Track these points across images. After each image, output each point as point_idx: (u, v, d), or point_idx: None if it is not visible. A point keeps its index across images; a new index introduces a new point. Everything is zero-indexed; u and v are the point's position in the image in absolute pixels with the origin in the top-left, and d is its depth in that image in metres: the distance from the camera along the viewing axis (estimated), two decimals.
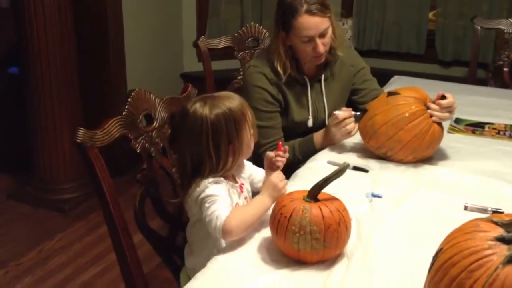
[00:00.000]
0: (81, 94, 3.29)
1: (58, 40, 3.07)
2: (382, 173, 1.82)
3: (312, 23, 1.93)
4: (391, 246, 1.41)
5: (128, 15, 3.57)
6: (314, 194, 1.35)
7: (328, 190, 1.39)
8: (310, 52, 2.00)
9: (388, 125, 1.81)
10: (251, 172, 1.70)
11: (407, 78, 3.03)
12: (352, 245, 1.39)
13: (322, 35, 1.97)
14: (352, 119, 1.94)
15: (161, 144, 1.66)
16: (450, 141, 2.08)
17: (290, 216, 1.30)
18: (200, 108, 1.46)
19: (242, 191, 1.57)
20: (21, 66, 3.26)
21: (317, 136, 2.05)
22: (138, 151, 1.58)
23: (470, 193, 1.68)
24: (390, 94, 1.88)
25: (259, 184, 1.68)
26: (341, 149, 2.00)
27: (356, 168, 1.84)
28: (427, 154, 1.86)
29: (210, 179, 1.45)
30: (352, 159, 1.91)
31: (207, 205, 1.41)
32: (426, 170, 1.84)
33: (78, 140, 1.40)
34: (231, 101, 1.49)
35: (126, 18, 3.56)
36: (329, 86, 2.18)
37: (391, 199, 1.65)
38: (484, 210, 1.58)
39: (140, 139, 1.59)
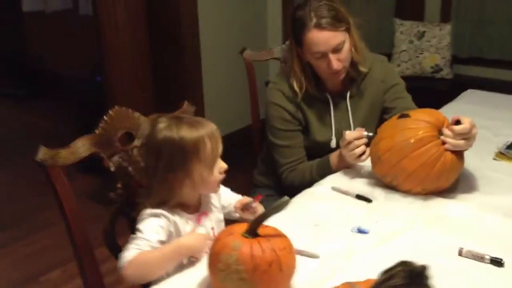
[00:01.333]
0: (155, 98, 3.36)
1: (129, 42, 3.15)
2: (384, 204, 1.65)
3: (322, 38, 1.80)
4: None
5: (205, 18, 3.57)
6: (252, 229, 1.24)
7: (316, 219, 1.44)
8: (325, 69, 1.87)
9: (391, 152, 1.63)
10: (230, 202, 1.62)
11: (482, 93, 2.74)
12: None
13: (335, 50, 1.82)
14: (363, 140, 1.77)
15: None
16: (492, 170, 1.84)
17: (220, 253, 1.22)
18: (159, 125, 1.43)
19: (199, 222, 1.49)
20: (102, 73, 3.41)
21: (333, 157, 1.91)
22: (112, 169, 1.56)
23: (477, 235, 1.46)
24: (401, 116, 1.70)
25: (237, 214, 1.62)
26: (350, 174, 1.84)
27: (359, 197, 1.68)
28: (441, 186, 1.64)
29: (150, 210, 1.41)
30: (359, 186, 1.75)
31: (132, 237, 1.38)
32: (436, 204, 1.63)
33: (37, 159, 1.42)
34: (194, 130, 1.41)
35: (203, 19, 3.56)
36: (356, 104, 2.02)
37: (379, 235, 1.48)
38: (480, 258, 1.37)
39: (116, 157, 1.57)
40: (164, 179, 1.40)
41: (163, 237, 1.39)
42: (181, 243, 1.37)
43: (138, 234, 1.37)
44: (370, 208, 1.62)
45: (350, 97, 2.00)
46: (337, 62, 1.83)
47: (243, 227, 1.27)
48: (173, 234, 1.42)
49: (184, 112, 1.74)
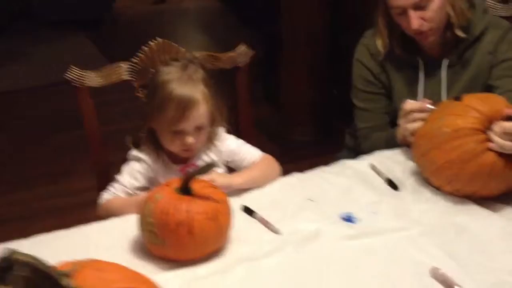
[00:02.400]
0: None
1: None
2: (404, 198, 1.41)
3: None
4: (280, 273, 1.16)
5: None
6: (182, 187, 1.20)
7: (317, 194, 1.38)
8: (406, 27, 1.61)
9: (425, 138, 1.37)
10: (239, 157, 1.54)
11: None
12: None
13: (418, 6, 1.54)
14: (424, 115, 1.47)
15: None
16: None
17: (146, 201, 1.21)
18: (166, 68, 1.43)
19: (181, 171, 1.46)
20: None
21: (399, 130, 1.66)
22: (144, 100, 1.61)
23: (467, 261, 1.18)
24: (456, 98, 1.39)
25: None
26: (405, 153, 1.57)
27: (389, 182, 1.46)
28: (478, 191, 1.33)
29: (134, 153, 1.46)
30: (402, 169, 1.51)
31: (114, 178, 1.45)
32: (459, 210, 1.34)
33: (67, 77, 1.55)
34: (178, 86, 1.36)
35: None
36: (455, 75, 1.69)
37: (362, 228, 1.29)
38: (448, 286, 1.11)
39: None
40: (145, 121, 1.42)
41: (140, 183, 1.43)
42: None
43: (118, 177, 1.44)
44: (385, 197, 1.40)
45: (449, 66, 1.69)
46: (418, 21, 1.55)
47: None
48: (154, 180, 1.45)
49: (239, 55, 1.68)
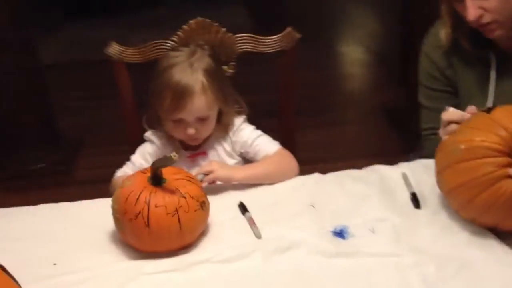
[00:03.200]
0: None
1: None
2: (422, 218, 1.22)
3: None
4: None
5: None
6: (153, 176, 1.16)
7: (324, 200, 1.28)
8: (465, 18, 1.37)
9: (442, 154, 1.17)
10: (252, 149, 1.46)
11: None
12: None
13: None
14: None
15: None
16: None
17: (120, 186, 1.20)
18: (176, 51, 1.41)
19: (194, 162, 1.44)
20: None
21: None
22: None
23: None
24: (488, 109, 1.16)
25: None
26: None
27: (413, 197, 1.28)
28: (495, 222, 1.11)
29: (149, 134, 1.46)
30: (432, 183, 1.31)
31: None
32: (472, 242, 1.12)
33: (107, 52, 1.58)
34: (178, 73, 1.33)
35: None
36: None
37: (348, 247, 1.15)
38: None
39: None
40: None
41: (149, 164, 1.40)
42: None
43: (131, 156, 1.46)
44: (398, 214, 1.23)
45: None
46: (477, 11, 1.31)
47: (168, 170, 1.19)
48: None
49: (287, 37, 1.57)
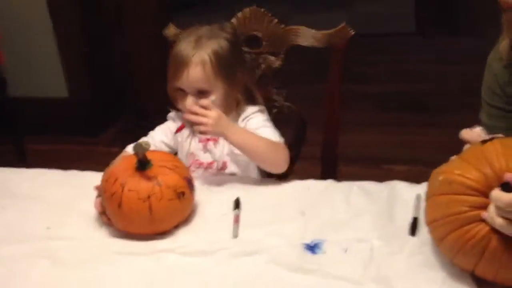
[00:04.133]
0: None
1: None
2: (408, 248, 1.09)
3: None
4: None
5: None
6: (137, 160, 1.20)
7: (319, 209, 1.22)
8: None
9: (429, 181, 1.03)
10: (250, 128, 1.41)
11: None
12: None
13: None
14: None
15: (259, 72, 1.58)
16: None
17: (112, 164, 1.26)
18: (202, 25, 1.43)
19: (205, 147, 1.43)
20: None
21: None
22: None
23: None
24: (489, 139, 1.00)
25: None
26: None
27: (413, 222, 1.16)
28: (465, 266, 0.96)
29: (172, 113, 1.48)
30: None
31: None
32: (441, 282, 0.99)
33: (164, 33, 1.64)
34: (182, 43, 1.35)
35: None
36: None
37: (311, 263, 1.08)
38: None
39: None
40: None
41: (168, 140, 1.47)
42: None
43: (150, 132, 1.49)
44: (383, 238, 1.12)
45: None
46: None
47: (157, 155, 1.23)
48: (179, 144, 1.47)
49: (340, 32, 1.49)
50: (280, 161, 1.33)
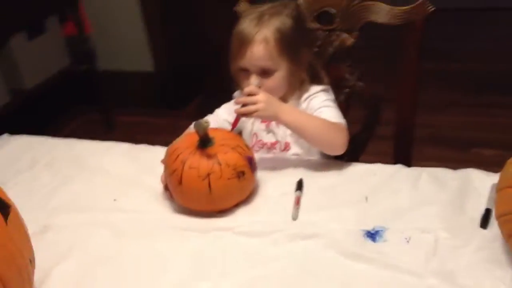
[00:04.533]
0: None
1: None
2: (477, 240, 1.03)
3: None
4: None
5: None
6: (200, 138, 1.19)
7: (388, 197, 1.16)
8: None
9: (503, 172, 0.96)
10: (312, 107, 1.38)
11: None
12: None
13: None
14: None
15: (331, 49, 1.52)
16: None
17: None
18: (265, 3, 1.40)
19: (268, 126, 1.40)
20: None
21: None
22: None
23: None
24: None
25: None
26: None
27: (485, 214, 1.09)
28: None
29: (238, 93, 1.44)
30: None
31: None
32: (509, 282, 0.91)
33: (236, 8, 1.62)
34: (244, 23, 1.33)
35: None
36: None
37: (367, 251, 1.04)
38: None
39: None
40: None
41: (231, 119, 1.42)
42: None
43: (216, 110, 1.49)
44: (449, 229, 1.06)
45: None
46: None
47: (219, 133, 1.23)
48: (244, 124, 1.45)
49: (418, 8, 1.41)
50: (337, 143, 1.27)
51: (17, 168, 1.43)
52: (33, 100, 2.78)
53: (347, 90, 1.54)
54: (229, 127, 1.43)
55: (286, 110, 1.27)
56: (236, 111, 1.27)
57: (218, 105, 1.52)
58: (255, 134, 1.43)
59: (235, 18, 1.48)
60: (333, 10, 1.50)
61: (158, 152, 1.37)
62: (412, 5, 1.41)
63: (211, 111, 1.51)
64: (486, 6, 4.07)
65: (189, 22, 3.31)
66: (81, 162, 1.42)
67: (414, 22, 1.42)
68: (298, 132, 1.28)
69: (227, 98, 1.50)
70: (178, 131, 1.40)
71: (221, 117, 1.46)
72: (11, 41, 2.61)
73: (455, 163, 2.37)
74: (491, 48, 3.63)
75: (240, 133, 1.46)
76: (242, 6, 1.58)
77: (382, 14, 1.45)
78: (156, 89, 3.29)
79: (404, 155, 1.53)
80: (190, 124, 1.34)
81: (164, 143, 1.28)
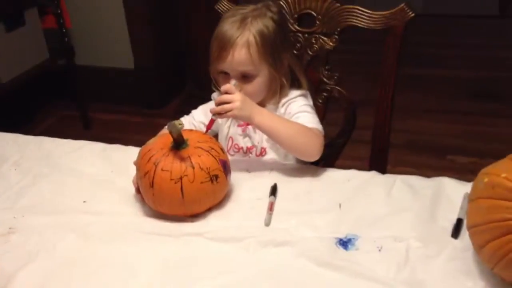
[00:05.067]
0: None
1: None
2: (449, 251, 1.02)
3: None
4: None
5: None
6: (173, 139, 1.17)
7: (360, 204, 1.15)
8: None
9: (474, 182, 0.95)
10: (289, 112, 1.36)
11: None
12: None
13: None
14: None
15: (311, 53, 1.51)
16: None
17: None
18: (246, 4, 1.38)
19: (244, 131, 1.40)
20: None
21: None
22: None
23: None
24: None
25: None
26: None
27: (457, 223, 1.09)
28: (506, 278, 0.88)
29: (216, 93, 1.42)
30: None
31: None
32: None
33: (216, 7, 1.60)
34: (224, 23, 1.31)
35: None
36: None
37: (337, 259, 1.02)
38: None
39: None
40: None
41: (207, 121, 1.42)
42: None
43: (192, 111, 1.47)
44: (419, 238, 1.05)
45: None
46: None
47: (194, 134, 1.21)
48: (219, 126, 1.43)
49: (398, 14, 1.40)
50: (311, 149, 1.25)
51: None
52: (7, 94, 2.73)
53: (325, 94, 1.53)
54: (202, 126, 1.41)
55: (260, 112, 1.25)
56: (211, 110, 1.25)
57: (197, 106, 1.50)
58: (231, 137, 1.41)
59: (216, 17, 1.46)
60: (313, 13, 1.49)
61: (132, 153, 1.35)
62: (392, 10, 1.41)
63: (189, 113, 1.49)
64: (472, 14, 4.12)
65: (172, 21, 3.28)
66: (52, 161, 1.40)
67: (394, 27, 1.41)
68: (271, 135, 1.26)
69: (207, 100, 1.48)
70: (155, 131, 1.38)
71: (197, 119, 1.44)
72: None
73: (430, 170, 2.40)
74: (472, 55, 3.66)
75: (215, 136, 1.44)
76: (223, 5, 1.56)
77: (362, 18, 1.44)
78: (135, 87, 3.26)
79: (380, 159, 1.53)
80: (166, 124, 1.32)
81: (140, 142, 1.25)
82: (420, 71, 3.35)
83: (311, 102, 1.38)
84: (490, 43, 3.80)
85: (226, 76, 1.31)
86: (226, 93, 1.23)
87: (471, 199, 0.93)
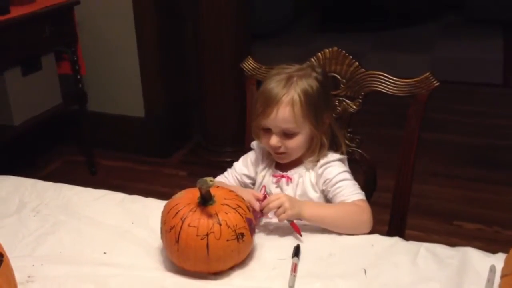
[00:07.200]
0: None
1: None
2: None
3: None
4: None
5: None
6: (200, 195, 1.17)
7: (385, 272, 1.14)
8: None
9: (508, 257, 0.95)
10: (332, 190, 1.37)
11: None
12: None
13: None
14: None
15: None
16: None
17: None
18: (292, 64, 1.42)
19: (277, 182, 1.41)
20: None
21: None
22: None
23: None
24: None
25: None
26: None
27: None
28: None
29: (254, 143, 1.47)
30: None
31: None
32: None
33: (242, 66, 1.63)
34: (271, 82, 1.34)
35: None
36: None
37: None
38: None
39: None
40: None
41: (249, 172, 1.47)
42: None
43: (234, 163, 1.49)
44: None
45: None
46: None
47: (220, 191, 1.20)
48: (258, 175, 1.45)
49: (423, 82, 1.42)
50: (362, 226, 1.28)
51: (4, 211, 1.39)
52: (18, 137, 2.73)
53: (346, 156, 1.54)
54: (247, 181, 1.47)
55: (306, 204, 1.29)
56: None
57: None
58: (264, 186, 1.42)
59: (236, 74, 1.48)
60: (339, 76, 1.51)
61: (151, 204, 1.35)
62: (417, 79, 1.44)
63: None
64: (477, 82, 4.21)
65: (184, 72, 3.32)
66: (71, 209, 1.39)
67: (418, 95, 1.44)
68: (323, 224, 1.29)
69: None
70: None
71: (238, 171, 1.47)
72: (5, 75, 2.57)
73: (438, 235, 2.38)
74: (477, 123, 3.69)
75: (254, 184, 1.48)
76: (249, 63, 1.59)
77: (387, 84, 1.47)
78: (142, 135, 3.27)
79: (399, 224, 1.53)
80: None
81: (145, 191, 1.26)
82: (426, 135, 3.38)
83: (348, 168, 1.41)
84: (492, 111, 3.85)
85: (268, 132, 1.35)
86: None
87: (503, 274, 0.93)
